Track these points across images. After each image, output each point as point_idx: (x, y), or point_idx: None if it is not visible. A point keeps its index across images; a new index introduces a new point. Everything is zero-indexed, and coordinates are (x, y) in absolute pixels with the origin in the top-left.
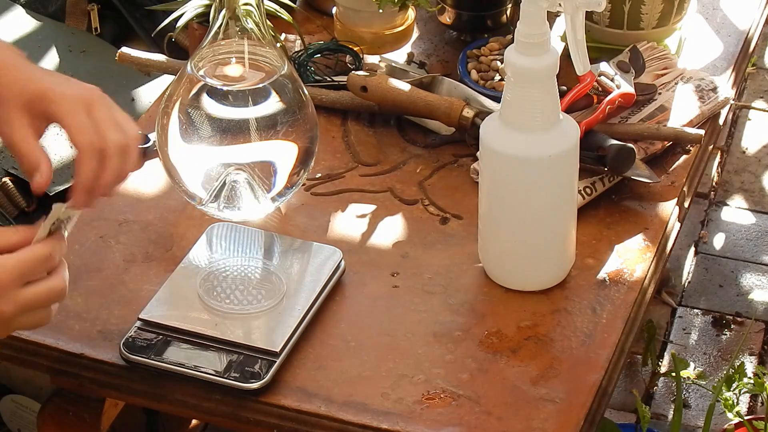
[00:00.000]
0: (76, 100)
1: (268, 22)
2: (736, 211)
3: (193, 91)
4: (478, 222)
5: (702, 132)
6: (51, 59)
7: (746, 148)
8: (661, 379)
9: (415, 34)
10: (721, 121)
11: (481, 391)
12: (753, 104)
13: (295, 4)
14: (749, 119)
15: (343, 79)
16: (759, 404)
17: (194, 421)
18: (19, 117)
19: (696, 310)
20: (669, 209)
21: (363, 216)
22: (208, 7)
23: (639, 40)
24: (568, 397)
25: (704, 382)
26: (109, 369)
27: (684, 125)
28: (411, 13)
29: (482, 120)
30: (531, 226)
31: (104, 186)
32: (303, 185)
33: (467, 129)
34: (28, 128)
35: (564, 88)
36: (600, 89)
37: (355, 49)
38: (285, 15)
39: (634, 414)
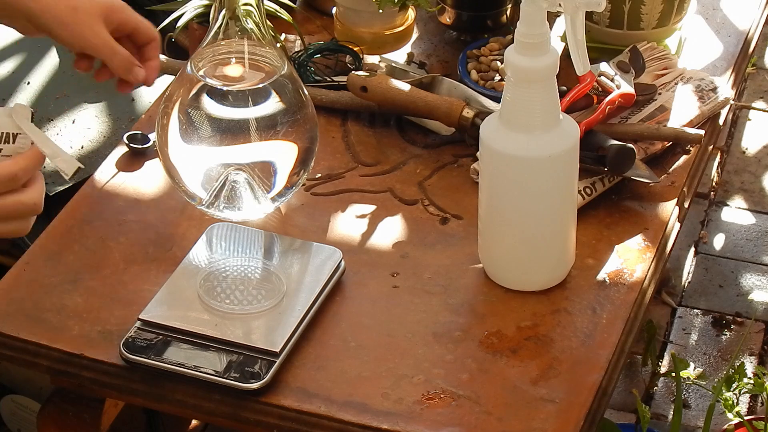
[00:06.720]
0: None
1: (268, 22)
2: (736, 212)
3: (193, 92)
4: (478, 222)
5: (702, 132)
6: (51, 59)
7: (746, 149)
8: (661, 379)
9: (415, 34)
10: (721, 122)
11: (481, 391)
12: (753, 104)
13: (295, 4)
14: (749, 119)
15: (343, 79)
16: (759, 404)
17: (194, 421)
18: (102, 24)
19: (696, 311)
20: (669, 209)
21: (363, 216)
22: (208, 7)
23: (639, 40)
24: (568, 397)
25: (704, 383)
26: (109, 369)
27: (684, 125)
28: (411, 13)
29: (482, 120)
30: (531, 226)
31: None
32: (303, 185)
33: (467, 129)
34: (110, 34)
35: (564, 88)
36: (600, 89)
37: (355, 49)
38: (285, 15)
39: (634, 414)
